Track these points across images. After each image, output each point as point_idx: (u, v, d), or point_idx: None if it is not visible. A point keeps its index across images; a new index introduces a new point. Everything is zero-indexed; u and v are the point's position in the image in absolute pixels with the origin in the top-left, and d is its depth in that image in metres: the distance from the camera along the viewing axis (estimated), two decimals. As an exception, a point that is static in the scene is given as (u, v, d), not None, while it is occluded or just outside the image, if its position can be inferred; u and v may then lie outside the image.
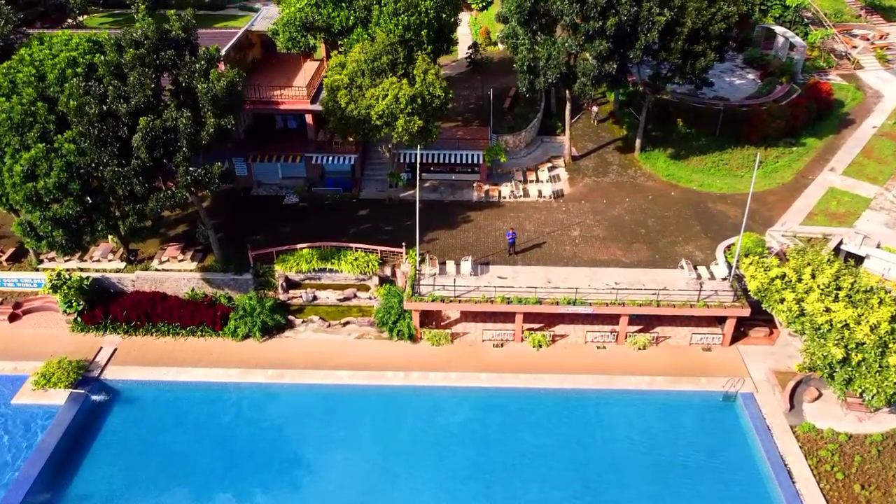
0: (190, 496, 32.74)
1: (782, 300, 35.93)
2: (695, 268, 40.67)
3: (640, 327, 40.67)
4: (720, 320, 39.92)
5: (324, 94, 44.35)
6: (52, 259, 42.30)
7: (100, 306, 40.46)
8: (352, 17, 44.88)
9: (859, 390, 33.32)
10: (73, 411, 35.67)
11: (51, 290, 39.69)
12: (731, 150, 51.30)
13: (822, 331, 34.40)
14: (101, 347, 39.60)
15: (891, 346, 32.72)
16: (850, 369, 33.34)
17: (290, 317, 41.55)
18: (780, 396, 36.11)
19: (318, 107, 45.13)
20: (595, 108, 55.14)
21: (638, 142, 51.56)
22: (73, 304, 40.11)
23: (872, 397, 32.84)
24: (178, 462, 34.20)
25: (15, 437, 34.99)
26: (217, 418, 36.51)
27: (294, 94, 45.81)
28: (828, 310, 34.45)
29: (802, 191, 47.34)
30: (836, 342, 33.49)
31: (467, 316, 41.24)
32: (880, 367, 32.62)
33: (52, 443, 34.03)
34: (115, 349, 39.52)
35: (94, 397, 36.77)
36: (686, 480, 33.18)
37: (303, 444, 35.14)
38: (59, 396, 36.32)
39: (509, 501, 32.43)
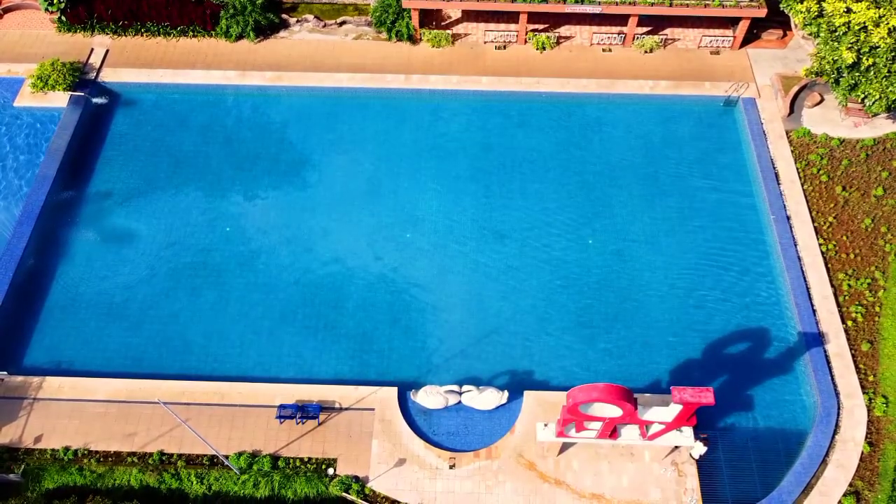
0: (203, 195, 34.44)
1: (802, 0, 33.94)
2: (715, -38, 37.68)
3: (648, 29, 39.00)
4: (733, 21, 38.14)
5: None
6: (19, -50, 39.09)
7: (83, 4, 38.31)
8: None
9: (862, 96, 33.15)
10: (76, 114, 35.92)
11: (26, -15, 37.39)
12: None
13: (837, 33, 33.07)
14: (92, 49, 38.47)
15: (905, 50, 31.72)
16: (857, 74, 32.79)
17: (284, 16, 39.65)
18: (782, 101, 36.04)
19: None
20: None
21: None
22: (54, 1, 37.95)
23: (874, 103, 32.80)
24: (187, 163, 35.38)
25: (25, 138, 35.71)
26: (221, 121, 36.90)
27: None
28: (849, 10, 32.70)
29: None
30: (849, 46, 32.42)
31: (469, 15, 39.28)
32: (889, 72, 32.00)
33: (62, 144, 34.89)
34: (107, 51, 38.46)
35: (94, 100, 36.74)
36: (677, 182, 34.63)
37: (306, 146, 36.00)
38: (59, 99, 36.27)
39: (507, 200, 34.19)
